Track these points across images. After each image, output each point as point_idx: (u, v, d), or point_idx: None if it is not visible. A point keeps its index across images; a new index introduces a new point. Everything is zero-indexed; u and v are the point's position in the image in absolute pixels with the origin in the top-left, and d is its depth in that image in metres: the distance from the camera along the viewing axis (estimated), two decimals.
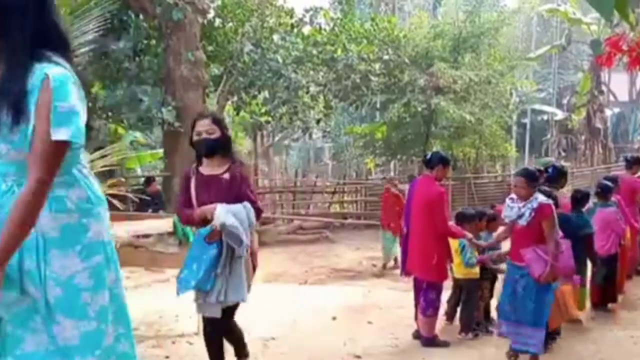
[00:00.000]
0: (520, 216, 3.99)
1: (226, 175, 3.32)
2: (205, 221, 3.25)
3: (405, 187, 12.95)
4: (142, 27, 10.06)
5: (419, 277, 4.70)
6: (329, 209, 15.21)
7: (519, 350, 4.07)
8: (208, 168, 3.41)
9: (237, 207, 3.25)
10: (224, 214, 3.15)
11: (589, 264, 5.31)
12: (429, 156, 4.81)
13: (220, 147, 3.36)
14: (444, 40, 15.28)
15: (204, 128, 3.33)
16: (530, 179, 4.03)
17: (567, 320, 4.48)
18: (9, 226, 1.64)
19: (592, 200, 5.91)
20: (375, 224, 12.21)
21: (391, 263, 8.98)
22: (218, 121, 3.43)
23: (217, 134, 3.33)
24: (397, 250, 8.65)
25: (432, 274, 4.53)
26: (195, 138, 3.35)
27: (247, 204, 3.31)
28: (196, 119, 3.42)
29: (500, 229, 4.78)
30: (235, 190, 3.32)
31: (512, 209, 4.09)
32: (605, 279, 5.65)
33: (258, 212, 3.41)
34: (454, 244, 4.85)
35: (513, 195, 4.13)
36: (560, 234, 4.10)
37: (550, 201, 4.04)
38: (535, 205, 3.95)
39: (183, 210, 3.46)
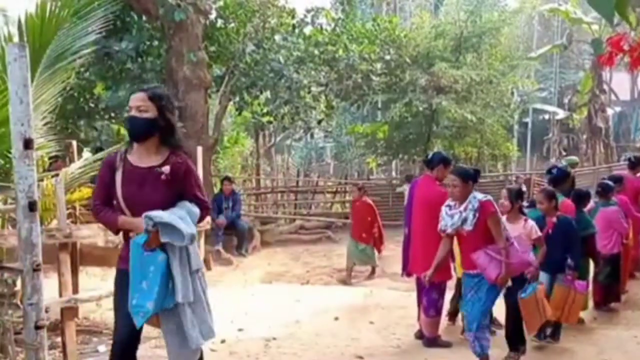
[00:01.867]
0: (464, 221, 3.78)
1: (165, 168, 2.69)
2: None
3: (404, 187, 13.06)
4: (145, 28, 10.08)
5: (421, 278, 4.68)
6: (330, 209, 15.21)
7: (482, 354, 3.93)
8: (139, 157, 2.75)
9: (173, 210, 2.66)
10: (152, 214, 2.60)
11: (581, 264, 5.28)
12: (430, 156, 4.82)
13: (152, 130, 2.69)
14: (445, 40, 15.28)
15: (135, 104, 2.70)
16: (465, 176, 3.84)
17: (542, 322, 4.28)
18: None
19: (594, 199, 5.91)
20: None
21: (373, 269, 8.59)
22: (156, 97, 2.74)
23: (150, 113, 2.69)
24: (375, 257, 8.56)
25: (438, 274, 4.51)
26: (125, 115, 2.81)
27: (188, 204, 2.75)
28: (132, 92, 2.82)
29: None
30: (176, 186, 2.72)
31: (452, 216, 3.85)
32: (609, 278, 5.65)
33: (205, 211, 2.84)
34: (456, 243, 4.86)
35: (450, 202, 3.95)
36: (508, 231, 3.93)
37: (489, 197, 3.87)
38: (476, 205, 3.76)
39: (101, 209, 2.75)
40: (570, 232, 4.50)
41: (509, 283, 3.92)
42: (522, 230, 4.26)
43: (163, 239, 2.57)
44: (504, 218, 4.33)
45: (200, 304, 2.69)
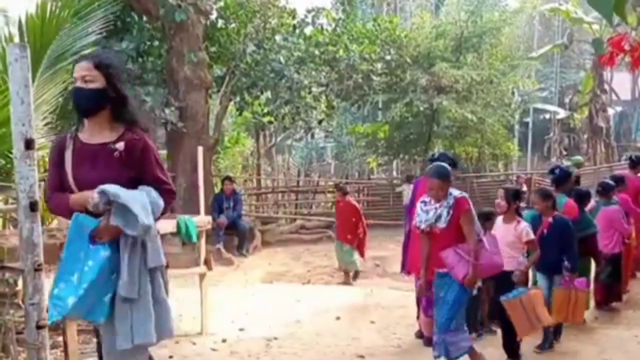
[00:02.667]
0: (438, 218, 3.71)
1: (119, 145, 2.40)
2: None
3: (403, 187, 13.06)
4: (145, 29, 10.09)
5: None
6: (331, 209, 15.20)
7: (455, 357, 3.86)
8: (91, 134, 2.47)
9: (134, 193, 2.34)
10: (103, 186, 2.28)
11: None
12: (435, 156, 4.80)
13: (101, 103, 2.40)
14: (445, 40, 15.28)
15: (80, 74, 2.40)
16: (444, 178, 3.73)
17: (538, 329, 4.16)
18: None
19: (595, 199, 5.91)
20: (377, 223, 12.23)
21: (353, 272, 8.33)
22: (104, 66, 2.42)
23: (98, 83, 2.39)
24: (358, 261, 8.30)
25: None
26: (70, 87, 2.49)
27: (148, 189, 2.41)
28: (76, 61, 2.50)
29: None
30: (133, 166, 2.41)
31: (427, 212, 3.78)
32: (610, 277, 5.65)
33: (169, 195, 2.49)
34: None
35: (425, 198, 3.87)
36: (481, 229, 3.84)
37: (465, 194, 3.80)
38: (451, 201, 3.69)
39: (52, 194, 2.47)
40: (566, 232, 4.39)
41: (477, 284, 3.88)
42: (514, 232, 4.19)
43: (113, 221, 2.24)
44: (499, 218, 4.33)
45: (145, 304, 2.34)
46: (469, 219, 3.68)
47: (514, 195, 4.35)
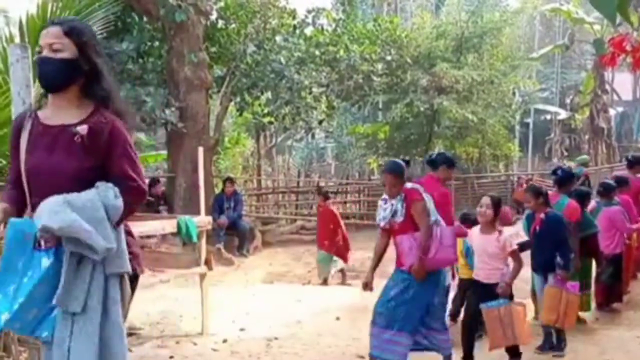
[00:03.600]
0: (394, 213, 3.74)
1: (81, 128, 1.97)
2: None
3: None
4: (146, 29, 10.09)
5: None
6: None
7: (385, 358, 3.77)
8: (53, 113, 2.06)
9: (84, 207, 1.90)
10: (46, 214, 1.86)
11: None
12: (433, 156, 4.80)
13: (71, 76, 2.01)
14: (446, 40, 15.28)
15: (47, 41, 2.01)
16: (397, 173, 3.77)
17: (512, 344, 3.95)
18: None
19: (595, 199, 5.91)
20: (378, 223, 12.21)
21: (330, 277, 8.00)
22: (75, 33, 2.02)
23: (68, 52, 2.00)
24: (334, 267, 7.98)
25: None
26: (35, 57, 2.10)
27: (105, 189, 1.96)
28: (43, 27, 2.13)
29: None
30: (97, 155, 1.99)
31: (385, 209, 3.82)
32: (611, 278, 5.64)
33: (134, 193, 2.04)
34: (459, 245, 4.84)
35: (385, 196, 3.89)
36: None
37: (417, 186, 3.81)
38: (403, 194, 3.73)
39: (7, 190, 2.11)
40: (558, 229, 4.29)
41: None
42: (496, 244, 3.97)
43: (67, 248, 1.89)
44: (475, 229, 4.15)
45: (90, 322, 1.90)
46: (418, 208, 3.68)
47: (499, 204, 4.11)
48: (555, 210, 4.44)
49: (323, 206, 8.54)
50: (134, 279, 2.12)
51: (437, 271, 3.77)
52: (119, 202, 1.97)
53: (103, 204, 1.93)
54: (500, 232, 4.04)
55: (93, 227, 1.87)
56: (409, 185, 3.81)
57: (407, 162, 4.19)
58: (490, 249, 3.98)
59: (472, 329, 4.10)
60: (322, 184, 16.66)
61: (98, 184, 1.98)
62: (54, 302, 1.88)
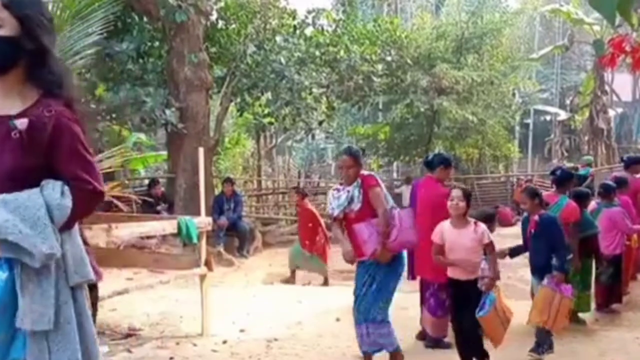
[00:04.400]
0: (351, 200, 3.65)
1: (20, 122, 1.68)
2: None
3: (403, 188, 13.06)
4: (146, 29, 10.09)
5: (429, 279, 4.58)
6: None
7: (372, 351, 3.83)
8: None
9: (19, 196, 1.66)
10: None
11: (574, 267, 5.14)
12: (430, 158, 4.80)
13: (11, 56, 1.70)
14: (446, 41, 15.29)
15: None
16: (356, 156, 3.71)
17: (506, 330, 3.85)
18: None
19: (596, 200, 5.91)
20: None
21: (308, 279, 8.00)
22: (16, 5, 1.71)
23: (8, 28, 1.69)
24: (326, 267, 7.83)
25: (443, 275, 4.42)
26: None
27: (50, 187, 1.70)
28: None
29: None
30: (39, 153, 1.70)
31: (339, 197, 3.73)
32: (611, 279, 5.65)
33: (86, 195, 1.75)
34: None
35: (338, 186, 3.86)
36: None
37: (373, 172, 3.82)
38: (360, 180, 3.67)
39: None
40: (553, 231, 4.20)
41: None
42: (473, 236, 3.77)
43: (3, 254, 1.66)
44: (446, 223, 3.91)
45: (67, 337, 1.71)
46: (377, 194, 3.64)
47: (470, 196, 3.92)
48: (549, 212, 4.38)
49: (301, 205, 8.42)
50: (93, 287, 1.92)
51: (398, 256, 3.79)
52: (66, 202, 1.70)
53: (46, 202, 1.67)
54: (475, 224, 3.83)
55: (30, 229, 1.63)
56: (366, 172, 3.81)
57: (364, 151, 4.28)
58: (466, 244, 3.77)
59: (478, 340, 3.84)
60: (322, 184, 16.67)
61: (44, 182, 1.72)
62: (17, 324, 1.65)
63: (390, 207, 3.72)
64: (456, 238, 3.80)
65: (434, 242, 3.87)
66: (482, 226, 3.84)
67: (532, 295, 4.70)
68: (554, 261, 4.15)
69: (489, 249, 3.81)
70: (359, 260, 3.81)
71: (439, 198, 4.45)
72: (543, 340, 4.23)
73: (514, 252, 4.60)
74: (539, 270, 4.30)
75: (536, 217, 4.26)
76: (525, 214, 4.58)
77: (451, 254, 3.83)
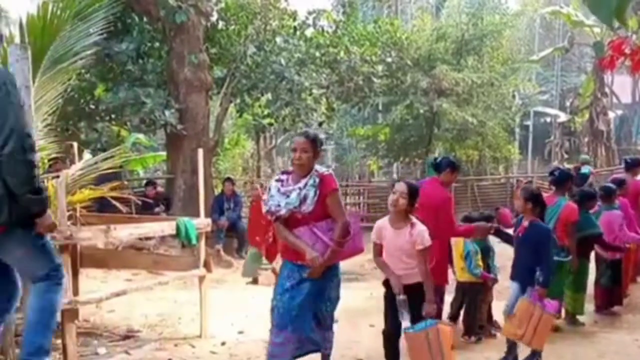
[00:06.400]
0: (303, 200, 3.15)
1: None
2: None
3: None
4: (146, 30, 10.09)
5: None
6: None
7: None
8: None
9: None
10: None
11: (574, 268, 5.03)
12: (438, 160, 4.78)
13: None
14: (446, 42, 15.31)
15: None
16: (315, 142, 3.22)
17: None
18: None
19: (597, 203, 5.89)
20: None
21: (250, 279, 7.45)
22: None
23: None
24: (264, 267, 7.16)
25: (435, 278, 4.39)
26: None
27: None
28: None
29: None
30: None
31: (287, 195, 3.18)
32: (610, 281, 5.64)
33: None
34: (458, 248, 4.84)
35: (281, 177, 3.31)
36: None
37: (331, 171, 3.33)
38: (317, 180, 3.17)
39: None
40: (541, 242, 3.95)
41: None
42: (408, 238, 3.37)
43: None
44: (384, 220, 3.52)
45: None
46: (337, 201, 3.23)
47: (416, 194, 3.41)
48: (542, 223, 4.12)
49: (256, 201, 8.17)
50: None
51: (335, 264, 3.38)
52: None
53: None
54: (413, 225, 3.37)
55: None
56: (323, 169, 3.34)
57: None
58: (404, 246, 3.36)
59: (395, 343, 3.60)
60: None
61: None
62: None
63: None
64: (393, 238, 3.41)
65: (373, 241, 3.50)
66: (420, 228, 3.34)
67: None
68: (538, 275, 3.94)
69: (420, 255, 3.32)
70: (292, 261, 3.40)
71: (441, 200, 4.43)
72: (510, 350, 4.10)
73: (501, 234, 4.44)
74: (520, 275, 4.07)
75: (526, 223, 4.06)
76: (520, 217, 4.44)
77: (386, 255, 3.46)
